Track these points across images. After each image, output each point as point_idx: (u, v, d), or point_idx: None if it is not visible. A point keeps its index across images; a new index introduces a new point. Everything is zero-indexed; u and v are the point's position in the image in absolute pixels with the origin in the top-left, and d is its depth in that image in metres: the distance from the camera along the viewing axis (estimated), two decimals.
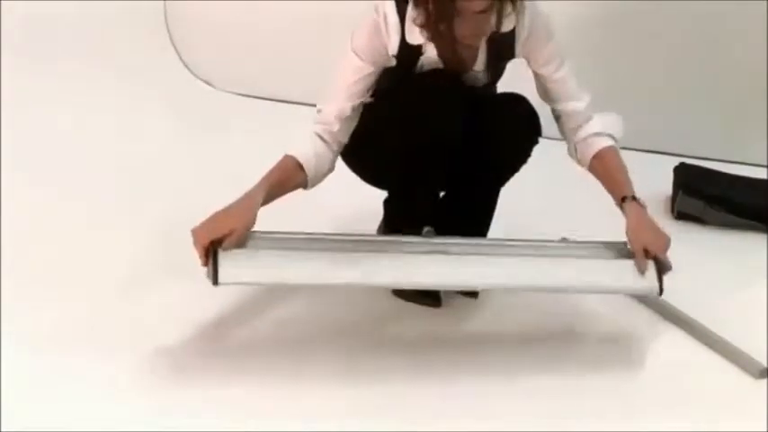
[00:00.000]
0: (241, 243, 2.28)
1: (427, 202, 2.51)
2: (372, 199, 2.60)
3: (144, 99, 3.69)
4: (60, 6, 3.73)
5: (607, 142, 2.51)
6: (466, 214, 2.58)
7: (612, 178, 2.48)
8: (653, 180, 3.21)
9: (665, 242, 2.41)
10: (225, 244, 2.26)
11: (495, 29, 2.36)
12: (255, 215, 2.31)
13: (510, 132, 2.48)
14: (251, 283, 2.29)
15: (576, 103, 2.50)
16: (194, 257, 2.72)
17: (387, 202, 2.60)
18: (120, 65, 3.79)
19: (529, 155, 2.54)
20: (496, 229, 2.61)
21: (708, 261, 2.86)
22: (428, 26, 2.34)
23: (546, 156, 2.57)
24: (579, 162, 2.55)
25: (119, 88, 3.70)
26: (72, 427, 2.13)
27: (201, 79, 3.92)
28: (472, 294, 2.61)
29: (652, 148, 3.50)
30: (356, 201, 2.70)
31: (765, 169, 3.38)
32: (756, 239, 3.02)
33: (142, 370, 2.31)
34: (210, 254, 2.26)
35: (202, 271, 2.31)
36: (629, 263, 2.38)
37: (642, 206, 2.44)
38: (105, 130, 3.49)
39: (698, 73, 3.53)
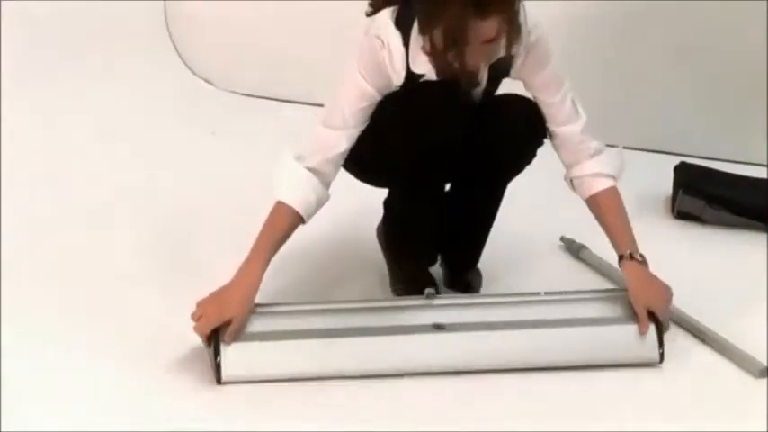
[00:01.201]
0: (242, 329, 2.28)
1: (428, 203, 2.50)
2: (372, 197, 2.60)
3: (144, 98, 3.69)
4: (60, 6, 3.73)
5: (605, 184, 2.47)
6: (469, 214, 2.57)
7: (609, 228, 2.47)
8: (653, 180, 3.21)
9: (667, 299, 2.43)
10: (226, 337, 2.26)
11: (500, 54, 2.32)
12: (255, 296, 2.31)
13: (512, 133, 2.45)
14: (253, 380, 2.28)
15: (571, 126, 2.46)
16: (194, 257, 2.74)
17: (387, 203, 2.60)
18: (120, 64, 3.78)
19: (533, 155, 2.51)
20: (496, 230, 2.61)
21: (708, 261, 2.86)
22: (435, 54, 2.28)
23: (545, 156, 2.56)
24: (575, 193, 2.53)
25: (119, 88, 3.70)
26: (72, 427, 2.13)
27: (202, 78, 3.91)
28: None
29: (652, 148, 3.50)
30: (356, 199, 2.69)
31: (766, 169, 3.37)
32: (756, 239, 3.01)
33: (142, 370, 2.31)
34: (212, 342, 2.27)
35: (203, 272, 2.32)
36: (629, 328, 2.38)
37: (641, 263, 2.43)
38: (105, 130, 3.49)
39: (698, 73, 3.52)
